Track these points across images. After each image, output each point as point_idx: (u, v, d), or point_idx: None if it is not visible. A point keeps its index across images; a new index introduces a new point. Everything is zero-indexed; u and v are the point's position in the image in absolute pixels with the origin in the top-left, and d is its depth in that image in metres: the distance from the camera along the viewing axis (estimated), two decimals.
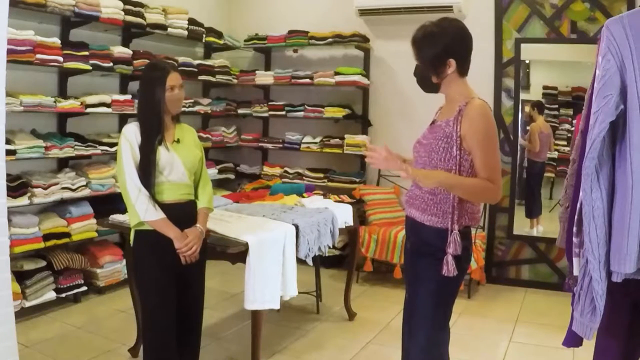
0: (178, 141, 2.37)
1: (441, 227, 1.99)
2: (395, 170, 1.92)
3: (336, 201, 3.81)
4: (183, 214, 2.36)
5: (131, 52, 4.28)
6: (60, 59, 3.72)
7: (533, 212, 4.95)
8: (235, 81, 5.47)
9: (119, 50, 4.19)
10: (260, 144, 5.48)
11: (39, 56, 3.57)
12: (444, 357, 2.12)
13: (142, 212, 2.23)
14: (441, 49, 1.96)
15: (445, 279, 1.99)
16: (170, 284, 2.32)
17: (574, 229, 1.65)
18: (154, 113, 2.30)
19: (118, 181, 2.41)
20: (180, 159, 2.34)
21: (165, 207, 2.29)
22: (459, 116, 1.96)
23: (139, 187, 2.23)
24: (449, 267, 1.96)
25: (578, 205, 1.60)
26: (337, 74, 4.99)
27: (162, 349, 2.32)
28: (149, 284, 2.33)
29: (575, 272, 1.67)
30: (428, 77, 2.03)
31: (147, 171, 2.25)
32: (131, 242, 2.38)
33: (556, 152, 4.96)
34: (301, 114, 5.17)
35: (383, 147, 1.91)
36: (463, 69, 2.02)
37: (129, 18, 4.21)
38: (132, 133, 2.29)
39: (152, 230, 2.28)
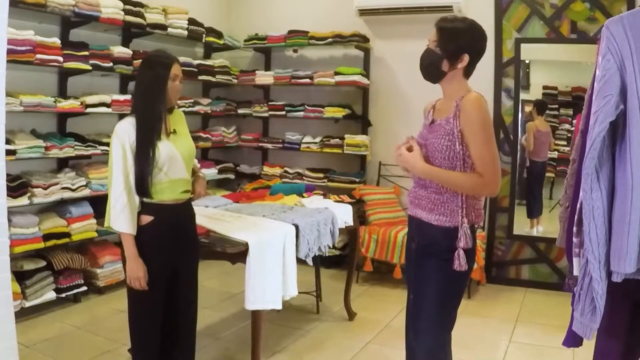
0: (174, 132, 2.32)
1: (450, 226, 1.98)
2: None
3: (336, 201, 3.81)
4: (182, 214, 2.36)
5: (131, 52, 4.28)
6: (60, 59, 3.72)
7: (533, 212, 4.95)
8: (235, 81, 5.47)
9: (119, 50, 4.19)
10: (260, 144, 5.48)
11: (39, 56, 3.57)
12: (448, 357, 2.11)
13: (114, 217, 2.19)
14: (464, 42, 1.98)
15: (452, 279, 1.98)
16: (161, 283, 2.29)
17: (574, 229, 1.65)
18: (155, 101, 2.23)
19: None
20: (178, 150, 2.29)
21: (164, 208, 2.26)
22: (457, 111, 1.97)
23: (120, 193, 2.17)
24: (460, 262, 1.94)
25: (578, 205, 1.60)
26: (337, 74, 4.99)
27: (149, 347, 2.30)
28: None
29: (575, 272, 1.67)
30: (437, 65, 2.02)
31: (146, 170, 2.19)
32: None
33: (556, 152, 4.96)
34: (301, 114, 5.17)
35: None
36: (469, 70, 2.04)
37: (129, 18, 4.21)
38: (125, 132, 2.20)
39: (145, 228, 2.24)
